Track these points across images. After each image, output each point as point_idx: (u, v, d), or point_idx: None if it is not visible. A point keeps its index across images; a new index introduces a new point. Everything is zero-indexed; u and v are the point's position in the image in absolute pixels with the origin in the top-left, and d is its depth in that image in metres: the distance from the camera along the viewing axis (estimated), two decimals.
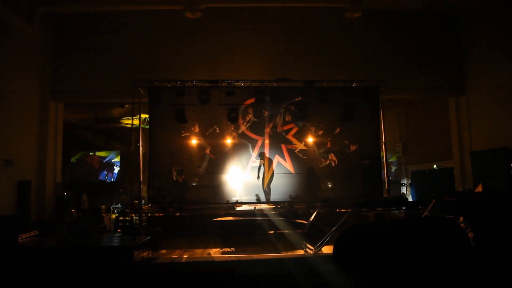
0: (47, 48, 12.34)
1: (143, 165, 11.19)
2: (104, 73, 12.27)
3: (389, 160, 16.29)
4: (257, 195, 11.28)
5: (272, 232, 9.09)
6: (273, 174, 11.47)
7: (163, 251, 8.37)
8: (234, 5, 12.14)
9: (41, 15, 11.64)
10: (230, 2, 11.91)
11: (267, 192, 11.37)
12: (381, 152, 11.94)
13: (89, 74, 12.32)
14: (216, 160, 11.48)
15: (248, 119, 11.70)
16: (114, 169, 17.61)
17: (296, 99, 11.78)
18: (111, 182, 17.52)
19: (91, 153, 17.96)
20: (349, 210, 8.74)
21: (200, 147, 11.46)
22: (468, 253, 3.85)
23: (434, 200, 8.39)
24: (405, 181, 16.17)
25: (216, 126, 11.51)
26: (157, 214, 10.85)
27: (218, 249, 8.61)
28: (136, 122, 11.59)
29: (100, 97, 12.97)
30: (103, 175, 17.70)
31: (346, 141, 11.68)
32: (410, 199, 13.85)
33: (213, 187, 11.38)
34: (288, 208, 10.28)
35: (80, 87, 12.44)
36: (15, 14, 10.65)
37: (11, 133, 10.63)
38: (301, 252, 8.03)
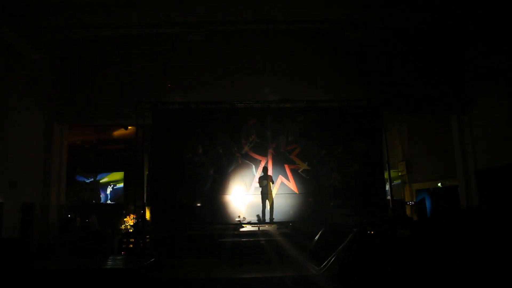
0: (52, 71, 12.56)
1: (147, 186, 11.20)
2: (108, 95, 12.44)
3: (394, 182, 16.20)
4: (258, 216, 11.23)
5: (277, 252, 9.02)
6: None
7: (167, 273, 8.30)
8: (235, 28, 12.36)
9: (46, 40, 11.91)
10: (232, 25, 12.14)
11: (271, 213, 11.31)
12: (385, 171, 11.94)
13: (94, 96, 12.49)
14: (220, 180, 11.47)
15: (251, 139, 11.75)
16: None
17: (299, 119, 11.84)
18: (115, 204, 17.52)
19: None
20: (354, 229, 8.68)
21: (204, 168, 11.47)
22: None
23: None
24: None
25: (219, 147, 11.56)
26: (161, 236, 10.78)
27: (222, 269, 8.54)
28: (139, 143, 11.65)
29: (104, 119, 13.10)
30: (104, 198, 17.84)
31: (349, 160, 11.67)
32: (414, 217, 13.73)
33: (217, 208, 11.33)
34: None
35: (84, 109, 12.59)
36: (22, 40, 10.88)
37: (15, 155, 10.71)
38: (306, 272, 7.94)
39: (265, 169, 11.42)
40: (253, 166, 11.68)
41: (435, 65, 13.02)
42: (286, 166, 11.71)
